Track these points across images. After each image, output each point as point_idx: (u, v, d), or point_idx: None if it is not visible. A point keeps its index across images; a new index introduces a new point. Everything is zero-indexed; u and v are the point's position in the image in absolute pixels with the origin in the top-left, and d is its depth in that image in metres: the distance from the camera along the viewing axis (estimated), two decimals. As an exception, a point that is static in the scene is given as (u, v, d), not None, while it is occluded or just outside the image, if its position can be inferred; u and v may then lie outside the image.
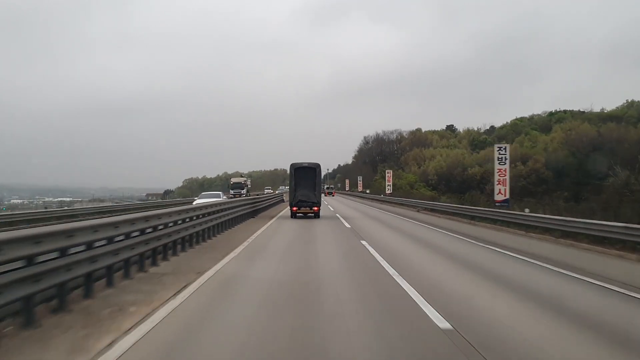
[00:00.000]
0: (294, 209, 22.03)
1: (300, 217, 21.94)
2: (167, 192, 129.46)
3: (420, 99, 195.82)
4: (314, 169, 22.30)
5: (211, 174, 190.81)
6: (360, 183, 69.53)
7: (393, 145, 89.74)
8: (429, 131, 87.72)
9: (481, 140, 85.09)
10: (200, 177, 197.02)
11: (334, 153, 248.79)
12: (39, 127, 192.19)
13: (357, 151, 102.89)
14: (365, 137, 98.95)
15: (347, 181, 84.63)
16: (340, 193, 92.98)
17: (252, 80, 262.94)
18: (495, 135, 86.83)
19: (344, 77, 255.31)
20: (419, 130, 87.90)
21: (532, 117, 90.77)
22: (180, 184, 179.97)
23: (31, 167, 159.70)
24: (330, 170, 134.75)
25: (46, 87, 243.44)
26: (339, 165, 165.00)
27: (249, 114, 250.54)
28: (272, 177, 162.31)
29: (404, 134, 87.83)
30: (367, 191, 67.26)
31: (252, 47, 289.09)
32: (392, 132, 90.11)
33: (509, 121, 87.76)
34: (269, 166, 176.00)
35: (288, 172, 23.97)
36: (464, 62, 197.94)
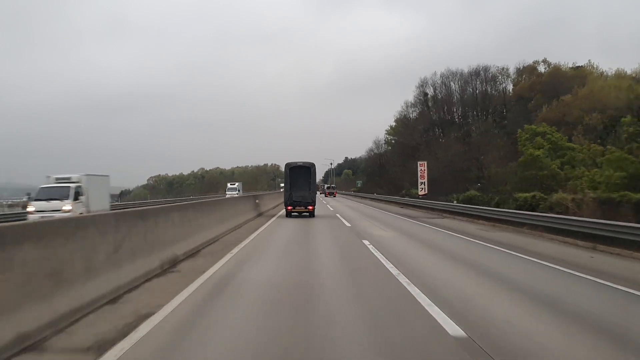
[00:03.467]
0: (289, 208, 21.38)
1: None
2: (124, 193, 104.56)
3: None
4: (308, 168, 21.73)
5: (186, 170, 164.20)
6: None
7: (488, 98, 44.75)
8: (574, 68, 42.52)
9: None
10: (170, 175, 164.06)
11: (335, 149, 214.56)
12: (31, 126, 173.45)
13: (398, 120, 58.59)
14: (421, 81, 53.91)
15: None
16: (351, 196, 57.82)
17: (250, 74, 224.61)
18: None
19: (348, 70, 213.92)
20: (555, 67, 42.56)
21: None
22: (145, 182, 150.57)
23: (25, 167, 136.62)
24: (334, 166, 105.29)
25: (34, 81, 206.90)
26: (347, 158, 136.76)
27: (242, 110, 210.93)
28: (255, 174, 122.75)
29: (519, 71, 42.46)
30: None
31: (251, 39, 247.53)
32: (479, 70, 45.29)
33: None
34: (260, 163, 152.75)
35: (281, 170, 30.59)
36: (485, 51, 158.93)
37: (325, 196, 56.68)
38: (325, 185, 68.68)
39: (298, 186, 21.04)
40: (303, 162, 21.80)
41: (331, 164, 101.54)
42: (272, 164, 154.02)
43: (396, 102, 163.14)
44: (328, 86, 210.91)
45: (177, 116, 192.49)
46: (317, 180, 25.14)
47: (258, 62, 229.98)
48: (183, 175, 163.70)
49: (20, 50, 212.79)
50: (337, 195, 61.80)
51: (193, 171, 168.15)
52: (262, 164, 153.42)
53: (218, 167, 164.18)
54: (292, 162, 21.89)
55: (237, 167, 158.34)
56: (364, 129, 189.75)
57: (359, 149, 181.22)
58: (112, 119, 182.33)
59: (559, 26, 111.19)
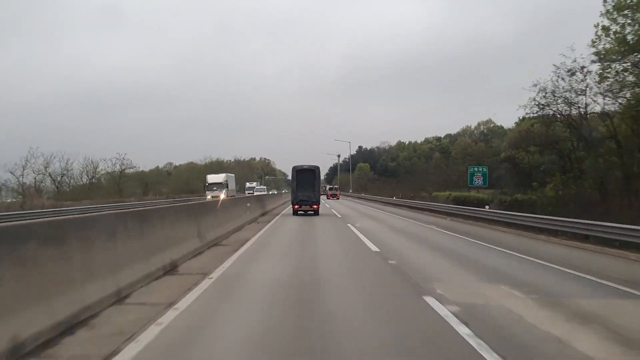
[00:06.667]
0: (296, 207, 23.61)
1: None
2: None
3: (454, 89, 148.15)
4: (313, 170, 24.32)
5: (152, 165, 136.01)
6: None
7: None
8: None
9: None
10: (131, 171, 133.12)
11: (338, 147, 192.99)
12: (28, 124, 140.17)
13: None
14: None
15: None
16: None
17: (250, 73, 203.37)
18: None
19: (355, 64, 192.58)
20: None
21: None
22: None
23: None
24: (341, 161, 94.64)
25: (33, 80, 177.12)
26: (361, 147, 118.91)
27: (241, 108, 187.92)
28: (214, 169, 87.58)
29: None
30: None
31: (251, 35, 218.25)
32: None
33: None
34: (246, 157, 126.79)
35: (272, 165, 46.09)
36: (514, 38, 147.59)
37: (327, 198, 54.50)
38: (328, 187, 65.28)
39: (304, 187, 23.53)
40: (309, 165, 24.74)
41: (339, 155, 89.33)
42: (260, 159, 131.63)
43: (404, 97, 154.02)
44: (331, 83, 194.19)
45: (177, 115, 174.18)
46: (322, 178, 25.83)
47: (258, 60, 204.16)
48: (144, 172, 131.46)
49: (19, 49, 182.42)
50: (340, 197, 58.88)
51: (158, 167, 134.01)
52: (250, 158, 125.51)
53: (192, 162, 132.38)
54: (298, 165, 24.65)
55: (216, 159, 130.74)
56: (368, 126, 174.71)
57: (369, 142, 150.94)
58: (110, 117, 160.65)
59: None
